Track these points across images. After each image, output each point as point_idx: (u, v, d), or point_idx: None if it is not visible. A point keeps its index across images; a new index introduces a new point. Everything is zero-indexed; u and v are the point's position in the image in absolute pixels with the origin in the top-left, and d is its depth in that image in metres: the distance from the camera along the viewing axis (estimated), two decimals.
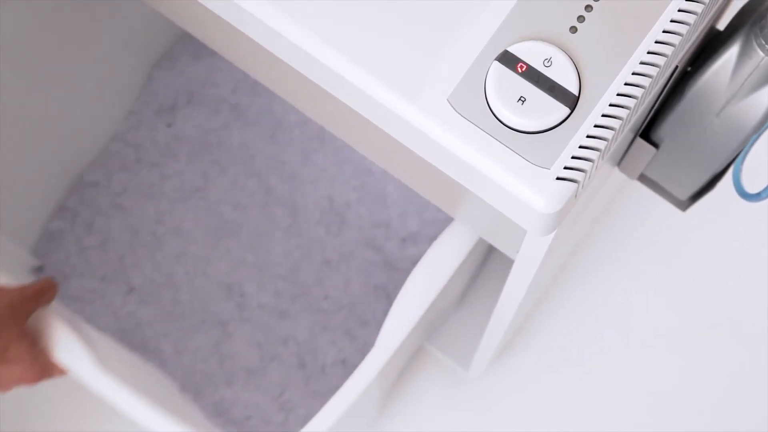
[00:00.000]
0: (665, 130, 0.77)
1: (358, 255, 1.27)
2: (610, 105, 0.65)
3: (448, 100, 0.66)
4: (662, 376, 1.34)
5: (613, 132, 0.66)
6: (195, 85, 1.30)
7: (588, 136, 0.65)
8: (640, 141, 0.77)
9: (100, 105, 1.25)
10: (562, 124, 0.66)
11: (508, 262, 0.85)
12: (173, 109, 1.30)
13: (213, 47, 0.87)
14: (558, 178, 0.65)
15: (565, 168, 0.65)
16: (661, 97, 0.74)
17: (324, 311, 1.26)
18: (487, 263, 1.21)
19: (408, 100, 0.67)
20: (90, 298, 1.24)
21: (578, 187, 0.66)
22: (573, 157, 0.65)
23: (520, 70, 0.65)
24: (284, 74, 0.74)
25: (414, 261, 1.25)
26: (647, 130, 0.78)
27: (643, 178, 0.84)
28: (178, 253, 1.26)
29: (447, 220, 1.25)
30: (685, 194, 0.83)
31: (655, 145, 0.78)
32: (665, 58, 0.66)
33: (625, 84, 0.66)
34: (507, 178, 0.66)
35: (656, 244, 1.38)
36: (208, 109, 1.30)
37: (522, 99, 0.65)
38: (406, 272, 1.25)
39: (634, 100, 0.66)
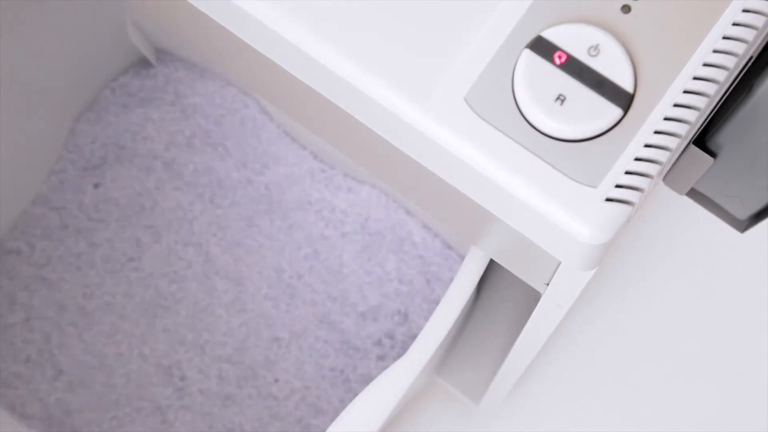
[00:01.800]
0: (725, 136, 0.66)
1: (312, 333, 1.19)
2: (675, 105, 0.54)
3: (465, 99, 0.55)
4: (699, 412, 1.28)
5: (677, 140, 0.55)
6: (124, 140, 1.22)
7: (646, 146, 0.54)
8: (693, 149, 0.67)
9: (17, 164, 1.16)
10: (613, 130, 0.54)
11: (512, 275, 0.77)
12: (101, 167, 1.22)
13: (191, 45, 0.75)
14: (608, 200, 0.54)
15: (617, 186, 0.54)
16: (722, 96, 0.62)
17: (273, 397, 1.18)
18: (487, 275, 1.12)
19: (414, 100, 0.56)
20: (15, 383, 1.17)
21: (632, 211, 0.55)
22: (627, 173, 0.54)
23: (558, 61, 0.55)
24: (275, 78, 0.66)
25: (374, 340, 1.18)
26: (702, 136, 0.67)
27: (693, 194, 0.74)
28: (110, 332, 1.18)
29: (411, 294, 1.19)
30: (745, 213, 0.73)
31: (712, 154, 0.68)
32: (744, 45, 0.54)
33: (694, 78, 0.54)
34: (540, 200, 0.55)
35: (698, 264, 1.31)
36: (140, 167, 1.22)
37: (561, 98, 0.54)
38: (366, 352, 1.19)
39: (705, 99, 0.55)
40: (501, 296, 1.14)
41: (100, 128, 1.22)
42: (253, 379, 1.17)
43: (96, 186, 1.21)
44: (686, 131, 0.55)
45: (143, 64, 1.23)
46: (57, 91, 1.18)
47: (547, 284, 0.71)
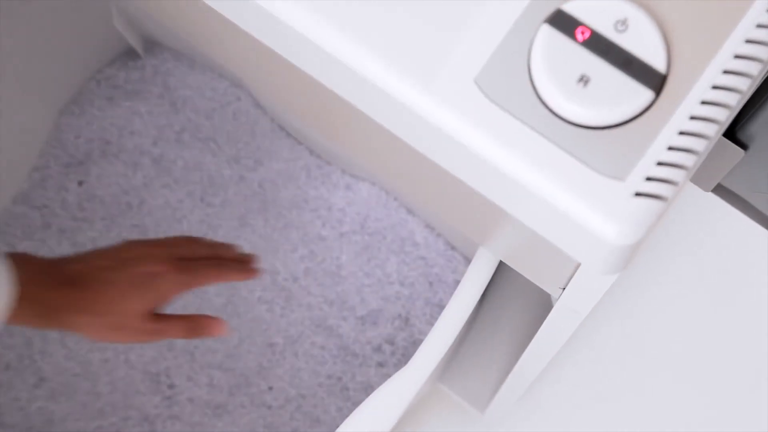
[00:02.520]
0: (760, 126, 0.64)
1: (308, 338, 1.18)
2: (713, 87, 0.51)
3: (475, 81, 0.52)
4: (723, 420, 1.27)
5: (716, 127, 0.51)
6: (110, 135, 1.21)
7: (681, 133, 0.51)
8: (722, 141, 0.66)
9: None
10: (643, 116, 0.51)
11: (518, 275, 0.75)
12: (85, 164, 1.20)
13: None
14: (637, 194, 0.51)
15: (648, 179, 0.51)
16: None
17: (267, 406, 1.16)
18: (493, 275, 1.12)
19: (418, 82, 0.52)
20: None
21: (665, 207, 0.51)
22: (659, 164, 0.51)
23: (580, 38, 0.51)
24: (263, 62, 0.64)
25: (374, 345, 1.16)
26: (732, 126, 0.66)
27: (720, 190, 0.74)
28: None
29: (412, 297, 1.18)
30: None
31: (743, 146, 0.67)
32: None
33: (735, 57, 0.50)
34: (560, 194, 0.52)
35: (723, 267, 1.29)
36: (127, 163, 1.20)
37: (584, 79, 0.51)
38: (365, 359, 1.17)
39: (747, 81, 0.51)
40: (509, 298, 1.12)
41: (84, 122, 1.21)
42: (246, 386, 1.15)
43: (80, 183, 1.20)
44: (726, 117, 0.51)
45: (130, 55, 1.21)
46: (39, 83, 1.16)
47: (563, 288, 0.67)
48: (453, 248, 1.15)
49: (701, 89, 0.50)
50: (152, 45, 1.21)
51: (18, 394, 1.14)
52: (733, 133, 0.67)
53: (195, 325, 0.90)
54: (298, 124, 1.17)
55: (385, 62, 0.53)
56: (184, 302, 1.15)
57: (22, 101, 1.15)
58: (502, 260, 0.81)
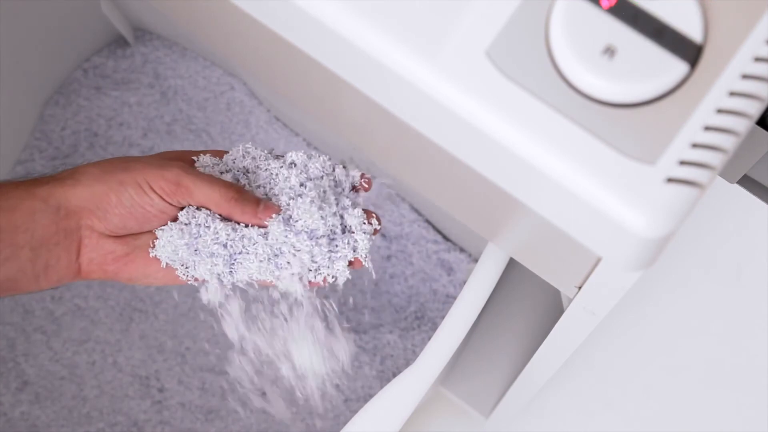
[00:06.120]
0: None
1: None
2: (756, 60, 0.47)
3: (486, 53, 0.49)
4: (726, 424, 1.25)
5: (758, 104, 0.47)
6: (98, 126, 1.20)
7: (719, 111, 0.47)
8: (754, 129, 0.62)
9: None
10: (677, 92, 0.48)
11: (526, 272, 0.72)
12: (71, 157, 1.19)
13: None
14: (669, 180, 0.48)
15: (681, 163, 0.48)
16: None
17: (261, 411, 1.15)
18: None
19: (422, 55, 0.49)
20: None
21: (700, 194, 0.48)
22: (694, 146, 0.48)
23: (606, 3, 0.49)
24: (258, 40, 0.60)
25: (379, 352, 1.16)
26: (763, 113, 0.63)
27: (746, 182, 0.70)
28: (81, 339, 1.15)
29: (413, 294, 1.15)
30: None
31: None
32: None
33: None
34: (581, 180, 0.50)
35: (743, 261, 1.27)
36: (115, 156, 1.15)
37: (610, 50, 0.49)
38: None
39: None
40: (514, 297, 1.10)
41: (70, 113, 1.19)
42: (239, 391, 1.09)
43: None
44: None
45: (119, 42, 1.20)
46: (23, 72, 1.15)
47: (580, 288, 0.64)
48: (461, 250, 1.15)
49: (742, 62, 0.47)
50: (142, 33, 1.20)
51: (0, 399, 1.13)
52: (762, 117, 0.63)
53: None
54: (294, 114, 1.15)
55: (385, 33, 0.49)
56: (174, 302, 1.16)
57: (4, 91, 1.13)
58: (512, 257, 0.78)
